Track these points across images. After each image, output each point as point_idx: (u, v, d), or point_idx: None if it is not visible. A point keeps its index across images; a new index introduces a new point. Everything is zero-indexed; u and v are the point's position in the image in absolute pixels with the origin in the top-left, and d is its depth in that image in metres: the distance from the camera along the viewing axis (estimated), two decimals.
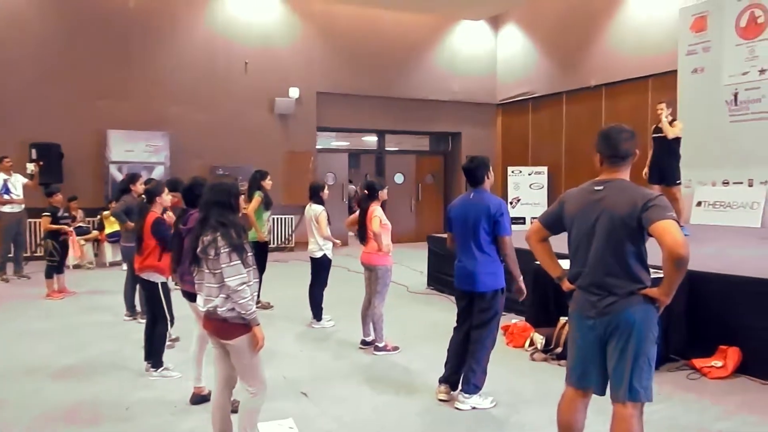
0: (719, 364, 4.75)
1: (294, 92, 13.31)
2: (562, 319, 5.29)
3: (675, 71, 10.82)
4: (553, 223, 3.16)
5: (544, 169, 14.10)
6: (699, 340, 5.01)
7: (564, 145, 13.84)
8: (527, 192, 13.96)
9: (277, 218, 13.00)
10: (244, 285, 3.12)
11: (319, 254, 6.58)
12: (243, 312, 3.13)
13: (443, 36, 15.02)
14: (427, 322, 6.79)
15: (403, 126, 14.95)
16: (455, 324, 4.43)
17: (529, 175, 14.15)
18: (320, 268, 6.63)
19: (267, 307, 7.46)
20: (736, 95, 9.80)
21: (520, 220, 13.65)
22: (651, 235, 2.75)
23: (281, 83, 13.27)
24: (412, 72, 14.67)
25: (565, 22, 13.64)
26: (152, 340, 4.89)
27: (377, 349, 5.56)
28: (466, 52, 15.21)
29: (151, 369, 4.89)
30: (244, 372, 3.27)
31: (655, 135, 7.98)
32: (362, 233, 5.64)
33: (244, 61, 12.99)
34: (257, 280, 3.32)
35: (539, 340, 5.39)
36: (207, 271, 3.20)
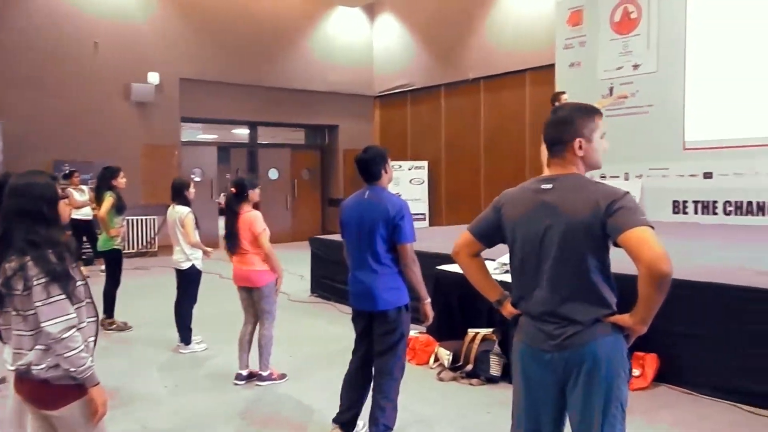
0: (637, 372, 4.39)
1: (154, 78, 11.89)
2: (471, 332, 4.73)
3: (553, 65, 10.80)
4: (487, 232, 2.45)
5: (425, 163, 13.77)
6: None
7: (444, 139, 13.57)
8: (408, 187, 13.55)
9: (137, 220, 11.58)
10: (73, 329, 2.17)
11: (186, 265, 5.59)
12: (72, 369, 2.18)
13: (318, 22, 14.21)
14: (316, 338, 6.00)
15: (277, 117, 13.97)
16: (353, 348, 3.69)
17: (410, 170, 13.77)
18: (188, 281, 5.63)
19: (123, 328, 6.34)
20: (611, 89, 9.88)
21: None
22: (619, 246, 2.16)
23: (139, 67, 11.81)
24: (286, 60, 13.73)
25: (442, 14, 13.35)
26: None
27: (261, 379, 4.67)
28: (342, 41, 14.52)
29: None
30: None
31: None
32: (233, 242, 4.67)
33: (93, 41, 11.39)
34: (93, 318, 2.36)
35: (446, 355, 4.78)
36: (14, 312, 2.20)
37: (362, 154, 3.52)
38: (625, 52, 9.76)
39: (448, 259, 5.84)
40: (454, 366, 4.69)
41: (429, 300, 3.54)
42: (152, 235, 11.84)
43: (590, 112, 2.32)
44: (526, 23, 11.65)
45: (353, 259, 3.54)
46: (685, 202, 9.03)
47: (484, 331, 4.65)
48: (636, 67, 9.64)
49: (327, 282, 7.74)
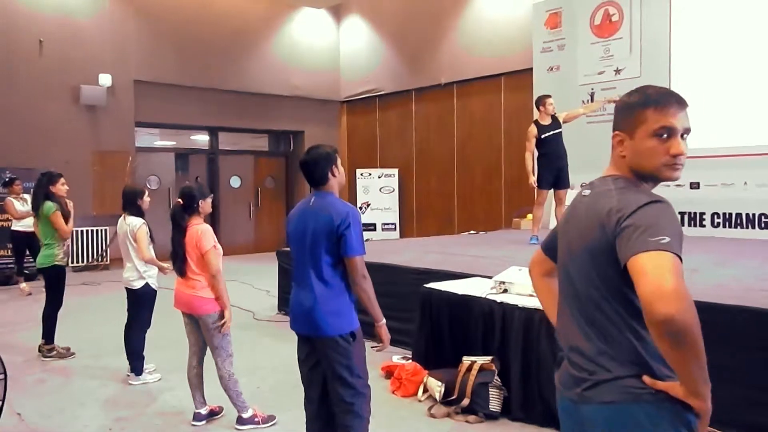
0: None
1: (105, 80, 11.09)
2: (466, 360, 4.16)
3: (530, 69, 10.40)
4: (553, 246, 1.95)
5: (395, 171, 13.25)
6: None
7: (414, 146, 13.08)
8: (377, 196, 13.03)
9: (88, 231, 10.75)
10: None
11: (138, 283, 4.92)
12: None
13: (282, 23, 13.59)
14: (284, 364, 5.31)
15: (239, 123, 13.26)
16: (305, 393, 3.09)
17: (379, 177, 13.24)
18: (141, 302, 4.96)
19: (64, 355, 5.60)
20: (592, 95, 9.52)
21: (371, 227, 12.69)
22: None
23: (89, 68, 11.00)
24: (249, 62, 13.05)
25: (412, 15, 12.88)
26: None
27: (241, 422, 3.95)
28: (307, 44, 13.91)
29: None
30: None
31: (549, 133, 7.26)
32: (181, 263, 3.98)
33: (38, 39, 10.54)
34: None
35: (436, 387, 4.20)
36: None
37: (305, 155, 2.96)
38: (607, 56, 9.41)
39: (436, 275, 5.29)
40: (447, 400, 4.11)
41: (383, 321, 2.97)
42: (104, 248, 10.99)
43: (646, 99, 1.66)
44: (501, 26, 11.25)
45: (295, 274, 3.00)
46: None
47: (481, 360, 4.09)
48: (618, 71, 9.28)
49: None
